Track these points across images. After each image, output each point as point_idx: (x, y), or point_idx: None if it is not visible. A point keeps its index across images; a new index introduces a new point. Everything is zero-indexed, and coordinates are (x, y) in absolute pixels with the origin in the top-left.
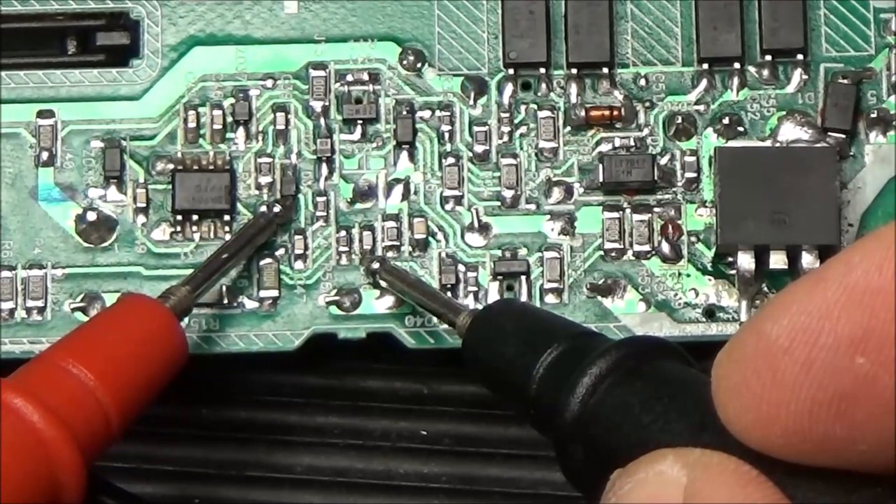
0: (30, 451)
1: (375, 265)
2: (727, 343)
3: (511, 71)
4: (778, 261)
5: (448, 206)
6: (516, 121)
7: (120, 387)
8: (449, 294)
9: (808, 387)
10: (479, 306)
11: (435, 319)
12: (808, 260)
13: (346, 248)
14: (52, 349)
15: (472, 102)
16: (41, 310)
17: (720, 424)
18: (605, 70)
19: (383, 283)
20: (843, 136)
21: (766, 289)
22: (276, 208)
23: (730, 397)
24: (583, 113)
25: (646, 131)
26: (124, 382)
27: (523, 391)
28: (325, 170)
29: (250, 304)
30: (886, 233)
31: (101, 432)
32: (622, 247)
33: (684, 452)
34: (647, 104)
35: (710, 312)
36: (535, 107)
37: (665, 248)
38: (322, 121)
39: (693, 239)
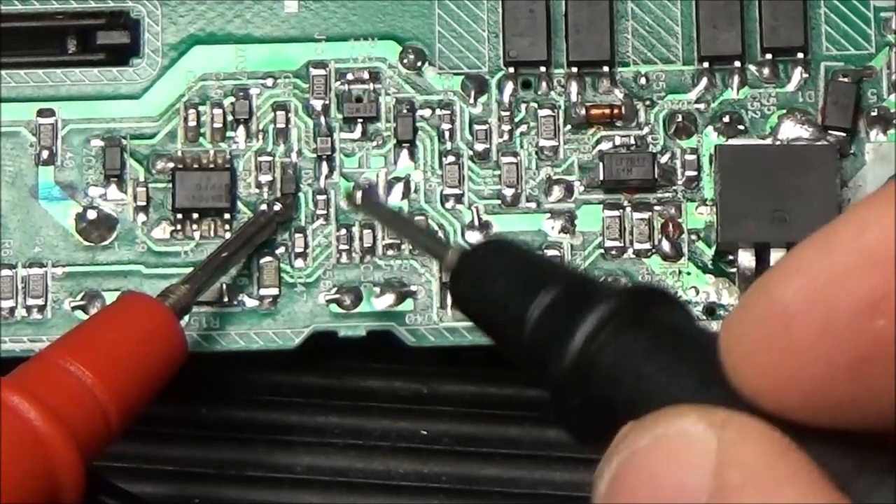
0: (28, 449)
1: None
2: (737, 306)
3: (511, 69)
4: (778, 259)
5: (448, 205)
6: (517, 119)
7: (119, 385)
8: (449, 292)
9: (825, 351)
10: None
11: (435, 317)
12: None
13: (347, 247)
14: (51, 348)
15: (472, 101)
16: (41, 308)
17: (727, 381)
18: (606, 69)
19: (367, 213)
20: (844, 134)
21: None
22: (277, 206)
23: (742, 362)
24: (583, 111)
25: (646, 130)
26: (123, 381)
27: (515, 334)
28: (325, 168)
29: (250, 303)
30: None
31: (100, 431)
32: (622, 245)
33: (709, 411)
34: (648, 103)
35: (711, 310)
36: (535, 105)
37: (665, 246)
38: (322, 119)
39: (693, 237)
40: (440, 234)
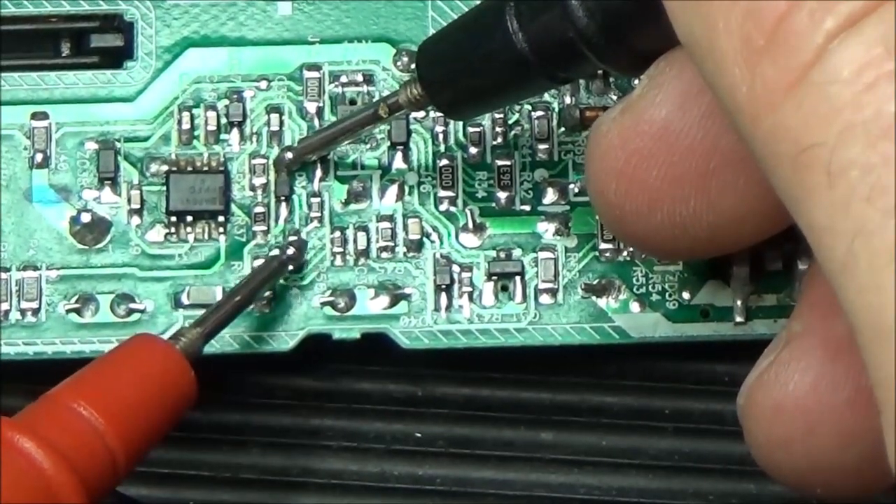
0: (38, 497)
1: (288, 154)
2: None
3: None
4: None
5: (442, 207)
6: (511, 122)
7: (129, 431)
8: (443, 294)
9: None
10: (474, 303)
11: (429, 320)
12: (804, 261)
13: (341, 249)
14: (62, 388)
15: None
16: (35, 311)
17: None
18: (600, 71)
19: (305, 159)
20: None
21: (761, 290)
22: (290, 251)
23: None
24: (577, 114)
25: None
26: (133, 427)
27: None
28: (319, 171)
29: None
30: None
31: (108, 477)
32: (617, 247)
33: None
34: None
35: (706, 313)
36: (529, 108)
37: None
38: (316, 122)
39: None
40: (432, 232)
